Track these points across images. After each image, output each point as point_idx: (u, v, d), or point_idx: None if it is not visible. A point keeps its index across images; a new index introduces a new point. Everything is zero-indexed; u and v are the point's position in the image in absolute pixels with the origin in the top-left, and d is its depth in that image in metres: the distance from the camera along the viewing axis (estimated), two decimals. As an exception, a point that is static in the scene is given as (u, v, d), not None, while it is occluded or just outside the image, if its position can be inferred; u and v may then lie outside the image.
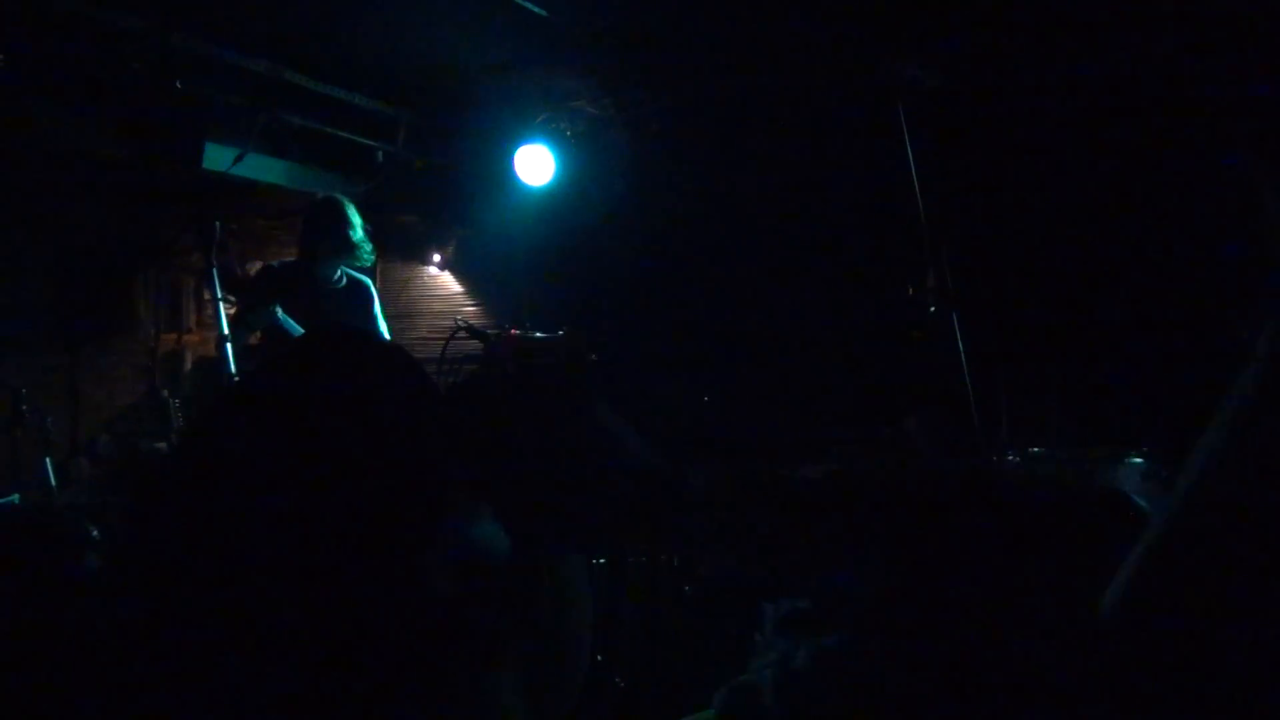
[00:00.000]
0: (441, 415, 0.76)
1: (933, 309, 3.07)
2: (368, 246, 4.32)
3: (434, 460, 0.72)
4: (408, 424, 0.73)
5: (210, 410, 0.79)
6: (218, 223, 3.71)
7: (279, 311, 3.97)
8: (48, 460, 4.21)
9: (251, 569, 0.63)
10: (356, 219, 4.27)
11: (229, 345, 3.58)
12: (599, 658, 3.26)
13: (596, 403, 1.00)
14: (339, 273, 4.34)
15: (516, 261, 6.27)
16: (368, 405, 0.72)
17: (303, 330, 4.01)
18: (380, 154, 5.90)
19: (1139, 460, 3.42)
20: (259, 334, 4.17)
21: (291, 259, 4.58)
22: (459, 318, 3.97)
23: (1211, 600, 0.68)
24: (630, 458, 0.98)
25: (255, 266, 5.53)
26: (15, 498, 3.98)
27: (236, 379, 3.57)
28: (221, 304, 3.65)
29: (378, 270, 6.96)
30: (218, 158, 5.05)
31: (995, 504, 0.89)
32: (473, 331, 3.75)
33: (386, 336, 4.51)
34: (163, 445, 5.06)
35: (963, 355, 3.01)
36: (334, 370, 0.75)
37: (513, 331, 3.76)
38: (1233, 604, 0.68)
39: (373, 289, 4.51)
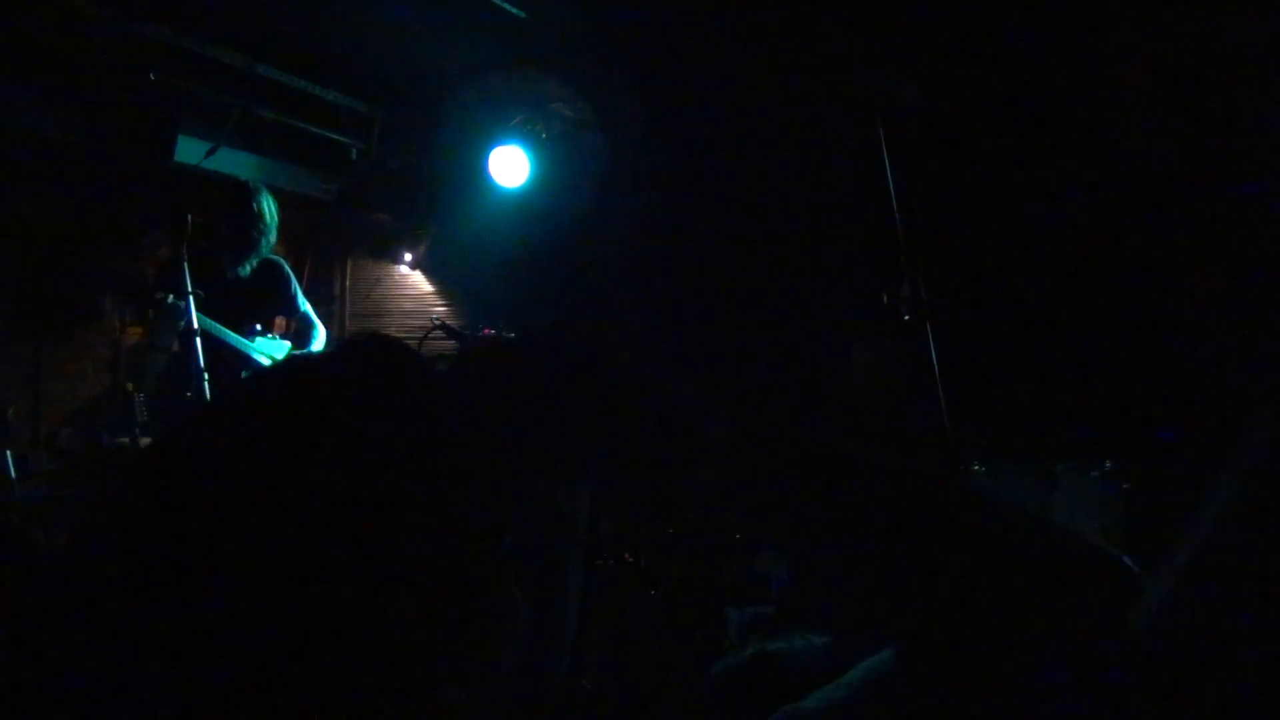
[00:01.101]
0: (450, 428, 0.74)
1: (907, 318, 3.11)
2: (271, 238, 4.13)
3: (436, 478, 0.71)
4: (416, 438, 0.71)
5: (199, 410, 0.77)
6: (189, 215, 3.67)
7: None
8: (7, 452, 4.14)
9: (226, 569, 0.61)
10: (267, 210, 4.09)
11: (198, 340, 3.54)
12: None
13: (619, 342, 0.95)
14: (251, 256, 4.14)
15: (489, 262, 6.26)
16: (379, 415, 0.70)
17: (211, 319, 3.89)
18: (354, 151, 5.88)
19: (1100, 474, 3.48)
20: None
21: (201, 246, 4.37)
22: (435, 317, 3.96)
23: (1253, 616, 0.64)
24: (652, 392, 0.93)
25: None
26: (-27, 490, 3.92)
27: (205, 375, 3.53)
28: (191, 298, 3.61)
29: (348, 267, 6.93)
30: (190, 150, 5.01)
31: (990, 534, 0.86)
32: (448, 331, 3.75)
33: (312, 317, 4.39)
34: (125, 440, 4.97)
35: (935, 366, 3.05)
36: (343, 373, 0.73)
37: (487, 331, 3.76)
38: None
39: (287, 268, 4.33)
